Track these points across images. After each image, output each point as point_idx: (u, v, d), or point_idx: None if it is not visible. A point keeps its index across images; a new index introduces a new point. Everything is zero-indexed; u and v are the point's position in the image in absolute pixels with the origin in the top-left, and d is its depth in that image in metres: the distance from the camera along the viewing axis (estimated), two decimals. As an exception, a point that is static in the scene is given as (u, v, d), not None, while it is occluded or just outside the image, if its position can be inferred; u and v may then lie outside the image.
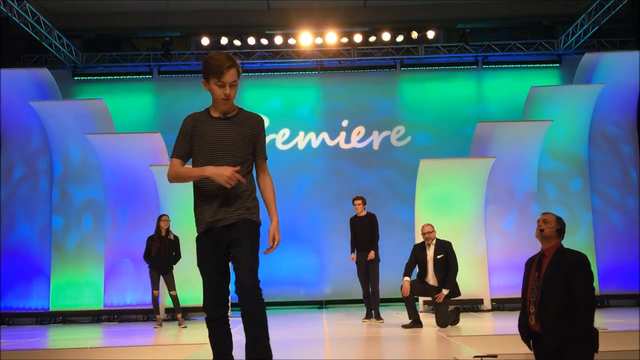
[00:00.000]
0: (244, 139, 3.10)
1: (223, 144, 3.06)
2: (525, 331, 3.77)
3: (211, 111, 3.15)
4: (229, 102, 3.10)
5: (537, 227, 3.82)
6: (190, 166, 3.16)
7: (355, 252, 8.02)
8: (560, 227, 3.80)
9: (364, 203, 8.09)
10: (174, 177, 3.12)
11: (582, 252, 3.72)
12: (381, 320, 7.73)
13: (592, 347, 3.48)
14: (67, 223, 9.82)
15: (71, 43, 10.81)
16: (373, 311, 7.90)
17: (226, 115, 3.13)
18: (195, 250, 3.12)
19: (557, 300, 3.55)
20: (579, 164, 10.01)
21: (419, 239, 7.90)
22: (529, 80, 11.04)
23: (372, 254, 7.80)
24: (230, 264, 3.14)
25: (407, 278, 7.07)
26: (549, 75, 11.43)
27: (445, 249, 7.16)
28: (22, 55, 11.24)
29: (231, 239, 3.03)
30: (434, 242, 7.22)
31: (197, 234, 3.13)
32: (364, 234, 7.92)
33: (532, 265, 3.84)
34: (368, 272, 7.87)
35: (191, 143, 3.11)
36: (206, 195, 3.05)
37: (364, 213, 8.07)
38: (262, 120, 3.23)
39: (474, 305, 9.38)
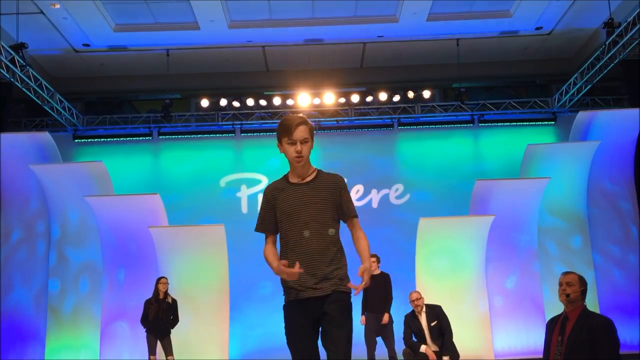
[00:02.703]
0: (326, 202, 3.00)
1: (304, 210, 2.97)
2: None
3: (289, 177, 3.07)
4: (302, 161, 2.99)
5: (561, 290, 3.67)
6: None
7: (366, 313, 7.78)
8: (584, 288, 3.67)
9: (378, 261, 7.91)
10: (265, 257, 3.05)
11: (607, 316, 3.61)
12: None
13: None
14: (63, 286, 9.70)
15: (72, 106, 10.97)
16: None
17: (305, 179, 3.03)
18: (285, 321, 3.01)
19: None
20: (579, 221, 9.98)
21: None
22: (525, 137, 11.12)
23: (386, 318, 7.57)
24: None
25: (423, 345, 6.89)
26: (544, 132, 11.55)
27: (436, 314, 7.02)
28: (24, 119, 11.37)
29: (323, 313, 2.93)
30: (424, 308, 7.08)
31: (286, 301, 3.02)
32: (377, 294, 7.63)
33: (555, 328, 3.69)
34: (381, 335, 7.66)
35: (275, 213, 3.04)
36: (294, 260, 2.93)
37: (377, 272, 7.85)
38: (342, 180, 3.11)
39: (478, 367, 9.17)
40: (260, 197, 11.21)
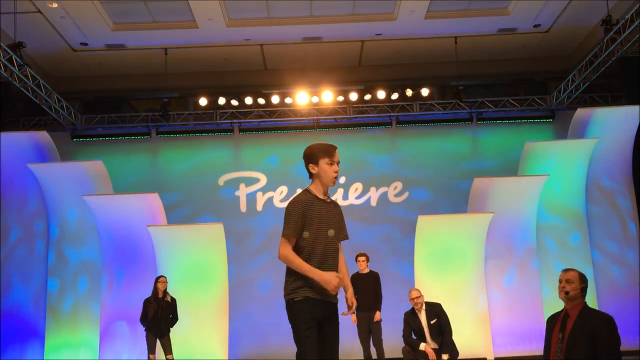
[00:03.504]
0: (341, 220, 3.50)
1: (334, 224, 3.40)
2: None
3: (315, 193, 3.40)
4: (335, 181, 3.43)
5: (560, 287, 3.66)
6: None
7: (356, 312, 7.84)
8: (584, 285, 3.66)
9: (367, 260, 7.97)
10: (285, 258, 3.28)
11: (607, 313, 3.60)
12: None
13: None
14: (62, 285, 9.70)
15: (70, 105, 10.95)
16: None
17: (328, 198, 3.46)
18: (299, 316, 3.24)
19: None
20: (578, 218, 9.99)
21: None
22: (523, 135, 11.13)
23: (378, 315, 7.62)
24: None
25: (423, 343, 6.90)
26: (542, 130, 11.54)
27: (436, 312, 7.03)
28: (22, 119, 11.35)
29: (328, 317, 3.31)
30: (424, 306, 7.10)
31: (301, 298, 3.25)
32: (366, 292, 7.70)
33: (556, 324, 3.68)
34: (371, 333, 7.70)
35: (304, 222, 3.32)
36: (319, 263, 3.29)
37: (366, 270, 7.93)
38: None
39: (477, 365, 9.18)
40: (259, 195, 11.30)
